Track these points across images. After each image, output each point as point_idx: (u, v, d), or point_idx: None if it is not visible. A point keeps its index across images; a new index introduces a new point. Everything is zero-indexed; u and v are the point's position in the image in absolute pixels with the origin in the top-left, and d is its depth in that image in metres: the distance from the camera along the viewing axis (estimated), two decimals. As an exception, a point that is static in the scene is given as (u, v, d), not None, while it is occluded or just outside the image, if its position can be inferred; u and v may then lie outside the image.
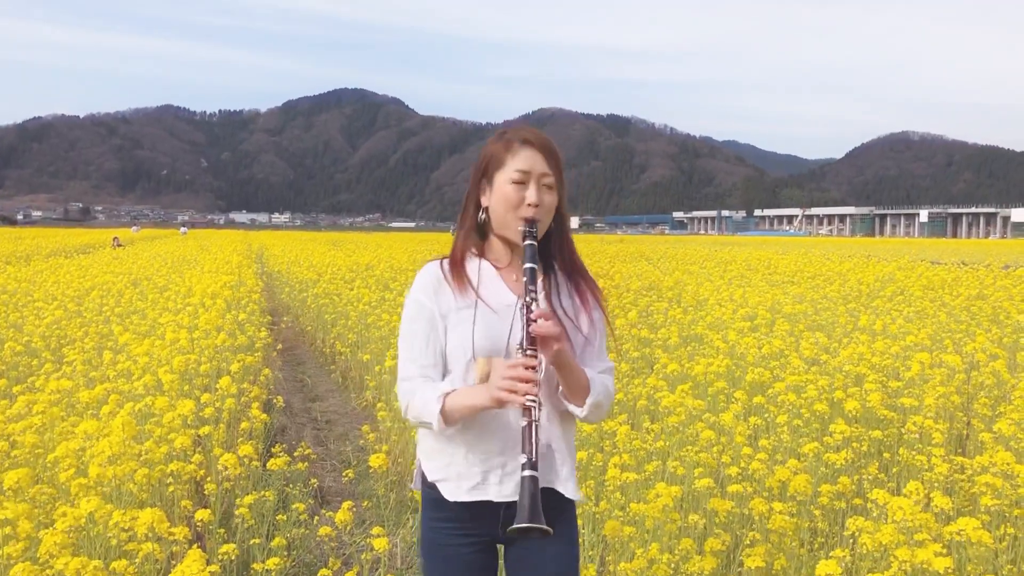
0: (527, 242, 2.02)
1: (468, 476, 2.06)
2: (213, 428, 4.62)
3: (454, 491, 2.07)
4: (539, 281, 2.03)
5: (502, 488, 2.04)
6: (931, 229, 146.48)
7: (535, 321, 1.92)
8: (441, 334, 2.08)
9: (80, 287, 11.41)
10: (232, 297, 10.14)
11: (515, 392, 1.87)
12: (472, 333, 2.02)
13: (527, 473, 1.85)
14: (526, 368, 1.88)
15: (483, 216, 2.12)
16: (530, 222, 2.02)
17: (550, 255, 2.14)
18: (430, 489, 2.13)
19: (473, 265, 2.12)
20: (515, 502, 1.90)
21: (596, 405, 2.07)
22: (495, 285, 2.09)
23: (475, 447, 2.04)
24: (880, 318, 8.70)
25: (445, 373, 2.09)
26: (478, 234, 2.15)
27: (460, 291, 2.07)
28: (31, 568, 2.48)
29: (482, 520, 2.08)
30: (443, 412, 1.98)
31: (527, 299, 1.97)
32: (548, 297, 2.09)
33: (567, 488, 2.09)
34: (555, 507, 2.07)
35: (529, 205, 2.03)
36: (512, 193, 2.03)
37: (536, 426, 1.89)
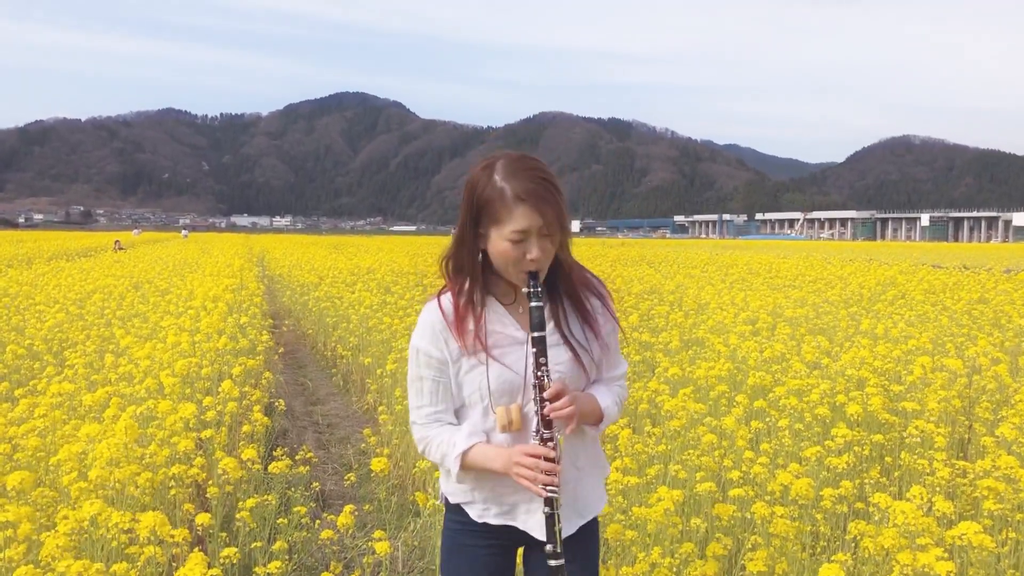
0: (533, 304, 1.94)
1: (495, 502, 2.07)
2: (215, 431, 4.62)
3: (481, 514, 2.08)
4: (548, 351, 1.96)
5: (529, 518, 2.05)
6: (932, 233, 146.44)
7: (548, 402, 1.90)
8: (451, 378, 2.06)
9: (82, 290, 11.42)
10: (234, 300, 10.15)
11: (534, 481, 1.90)
12: (487, 381, 1.99)
13: (553, 563, 1.91)
14: (545, 459, 1.89)
15: (480, 257, 2.03)
16: (534, 275, 1.95)
17: (554, 282, 2.07)
18: (455, 511, 2.15)
19: (476, 303, 2.04)
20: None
21: (610, 422, 2.13)
22: (503, 323, 2.04)
23: (504, 482, 2.01)
24: (881, 322, 8.69)
25: (462, 416, 2.07)
26: (480, 272, 2.04)
27: (475, 336, 2.01)
28: (33, 571, 2.48)
29: (507, 531, 2.10)
30: (462, 467, 2.02)
31: (538, 374, 1.92)
32: (558, 327, 2.04)
33: (599, 506, 2.17)
34: (581, 532, 2.12)
35: (531, 260, 1.94)
36: (511, 251, 1.94)
37: (559, 516, 1.92)
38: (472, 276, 2.02)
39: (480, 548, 2.12)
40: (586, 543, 2.14)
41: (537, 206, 1.91)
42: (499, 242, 1.95)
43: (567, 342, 2.04)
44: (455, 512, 2.15)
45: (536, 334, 1.94)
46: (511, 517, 2.07)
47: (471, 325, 2.02)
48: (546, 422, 1.91)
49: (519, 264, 1.95)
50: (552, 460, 1.89)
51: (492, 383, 1.99)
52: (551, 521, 1.90)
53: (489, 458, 1.99)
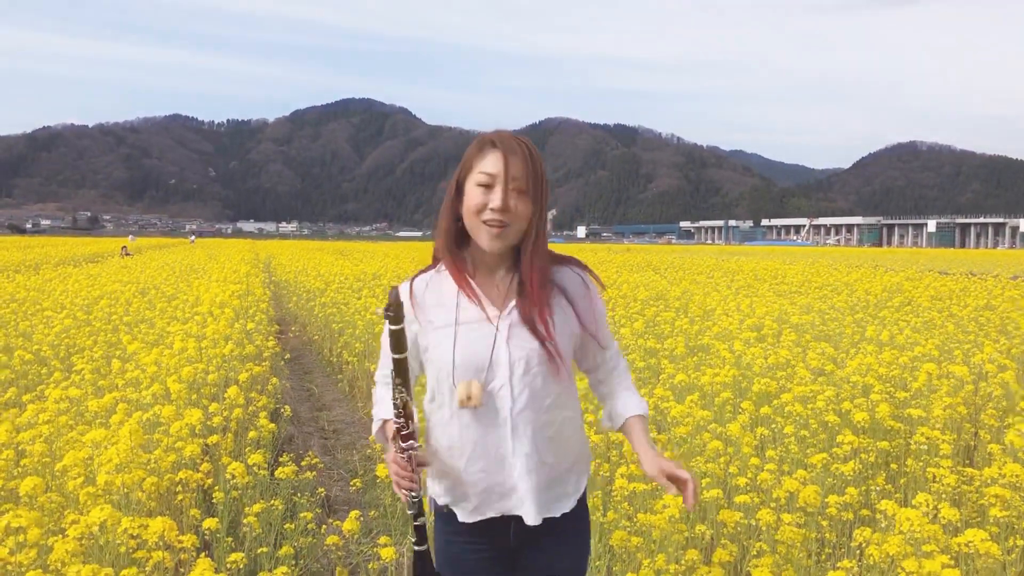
0: (391, 328, 1.91)
1: (471, 498, 2.04)
2: (221, 437, 4.64)
3: (463, 514, 2.07)
4: (512, 329, 1.97)
5: (502, 504, 2.03)
6: (939, 239, 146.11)
7: (405, 420, 1.93)
8: (417, 353, 2.07)
9: (89, 296, 11.45)
10: (240, 306, 10.17)
11: (398, 487, 1.98)
12: (452, 354, 1.97)
13: (420, 549, 1.98)
14: (402, 469, 1.95)
15: (459, 223, 2.03)
16: (392, 308, 1.91)
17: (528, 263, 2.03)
18: (440, 508, 2.14)
19: (449, 279, 2.04)
20: (516, 518, 2.02)
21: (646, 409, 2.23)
22: (473, 297, 2.02)
23: (471, 467, 2.02)
24: (887, 328, 8.68)
25: (435, 395, 2.06)
26: (456, 244, 2.05)
27: (443, 306, 2.02)
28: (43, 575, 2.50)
29: (493, 533, 2.07)
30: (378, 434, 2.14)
31: (395, 398, 1.93)
32: (523, 311, 1.99)
33: (568, 503, 2.10)
34: (566, 520, 2.10)
35: (491, 209, 1.92)
36: (477, 197, 1.94)
37: (423, 519, 2.00)
38: (448, 235, 2.04)
39: (474, 559, 2.11)
40: (567, 532, 2.10)
41: (507, 154, 1.93)
42: (470, 194, 1.96)
43: (532, 328, 1.98)
44: (443, 522, 2.13)
45: (396, 356, 1.92)
46: (484, 510, 2.04)
47: (436, 299, 2.04)
48: (403, 437, 1.93)
49: (482, 214, 1.94)
50: (410, 471, 1.94)
51: (457, 357, 1.96)
52: (415, 519, 1.99)
53: (384, 444, 2.07)
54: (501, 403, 1.96)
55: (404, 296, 2.05)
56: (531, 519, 2.00)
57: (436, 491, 2.12)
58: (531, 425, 1.98)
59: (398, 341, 1.91)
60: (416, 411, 1.98)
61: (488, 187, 1.94)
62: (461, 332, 1.98)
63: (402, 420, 1.92)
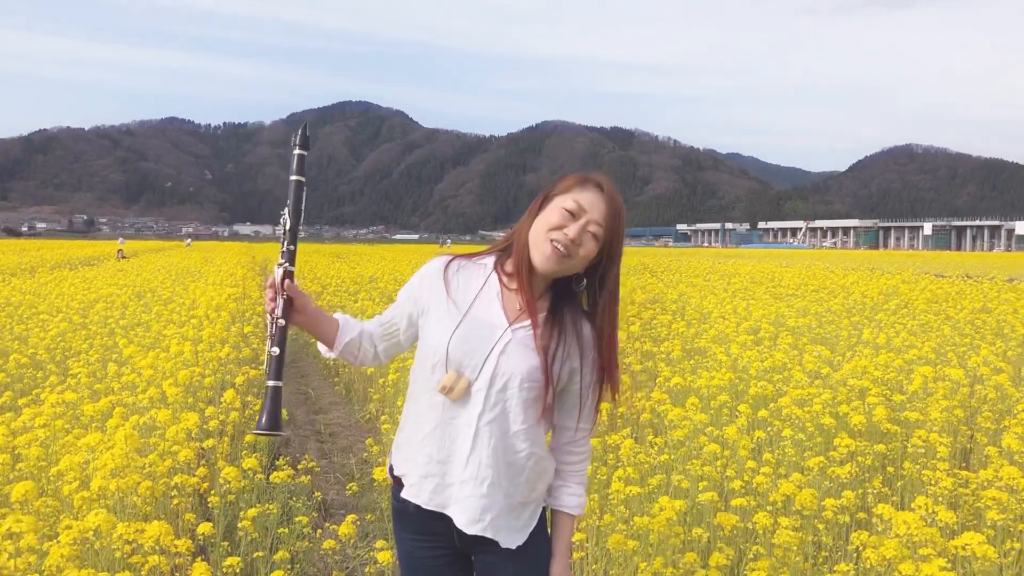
0: (298, 152, 2.07)
1: (411, 475, 2.07)
2: (217, 441, 4.63)
3: (407, 489, 2.09)
4: (511, 347, 2.00)
5: (434, 497, 2.03)
6: (935, 242, 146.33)
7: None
8: (410, 313, 2.14)
9: (85, 299, 11.43)
10: (236, 309, 10.17)
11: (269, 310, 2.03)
12: (449, 338, 1.99)
13: (270, 383, 1.98)
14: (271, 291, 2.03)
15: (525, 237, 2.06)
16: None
17: (566, 294, 2.07)
18: (394, 499, 2.15)
19: (483, 273, 2.09)
20: (450, 517, 2.02)
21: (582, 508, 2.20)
22: (491, 302, 2.05)
23: (423, 447, 2.04)
24: (884, 331, 8.69)
25: (414, 370, 2.11)
26: (507, 249, 2.10)
27: (462, 294, 2.05)
28: (36, 581, 2.49)
29: (438, 530, 2.07)
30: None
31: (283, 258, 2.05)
32: (544, 340, 2.00)
33: (520, 536, 2.06)
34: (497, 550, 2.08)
35: (565, 233, 1.95)
36: (558, 218, 1.97)
37: (280, 337, 2.00)
38: (514, 248, 2.07)
39: (430, 559, 2.11)
40: (524, 557, 2.09)
41: (606, 202, 1.99)
42: (552, 211, 1.99)
43: (543, 354, 1.99)
44: (398, 520, 2.15)
45: (293, 178, 2.08)
46: (415, 493, 2.05)
47: (462, 281, 2.08)
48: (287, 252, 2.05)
49: (551, 233, 1.97)
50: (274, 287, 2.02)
51: (454, 340, 1.99)
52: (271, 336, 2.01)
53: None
54: (472, 407, 1.99)
55: (441, 266, 2.11)
56: (461, 523, 2.00)
57: (396, 459, 2.15)
58: (494, 440, 1.99)
59: (300, 166, 2.07)
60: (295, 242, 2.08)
61: (573, 215, 1.97)
62: (466, 323, 2.01)
63: (285, 235, 2.05)
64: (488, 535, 2.01)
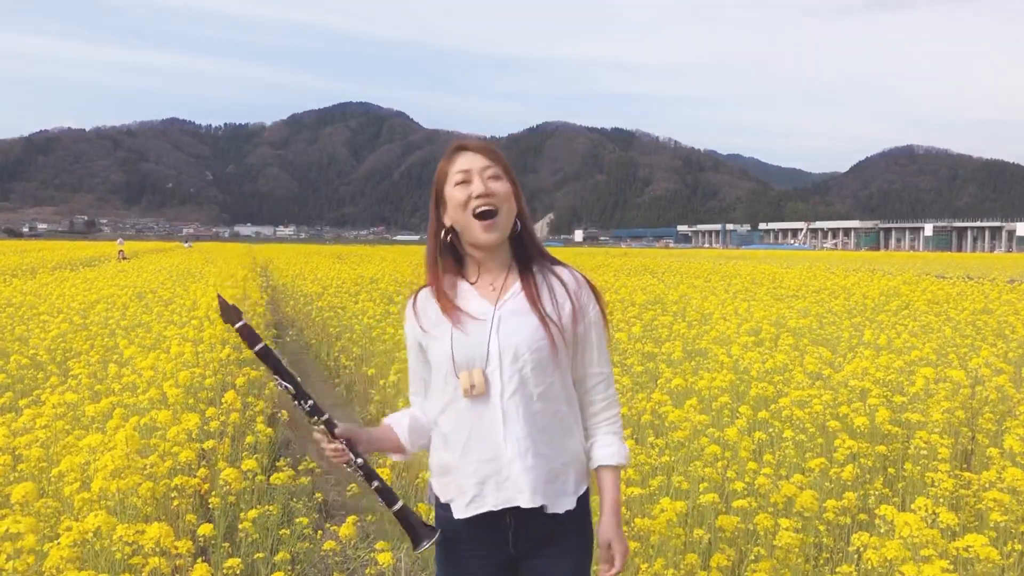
0: (237, 325, 2.04)
1: (467, 489, 2.06)
2: (218, 442, 4.63)
3: (460, 509, 2.08)
4: (513, 319, 2.06)
5: (499, 495, 2.03)
6: (936, 243, 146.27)
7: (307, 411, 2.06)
8: (423, 363, 2.18)
9: (85, 300, 11.43)
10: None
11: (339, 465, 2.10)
12: (451, 347, 2.04)
13: (394, 510, 2.04)
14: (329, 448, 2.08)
15: (449, 236, 2.12)
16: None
17: (524, 253, 2.15)
18: (442, 509, 2.14)
19: (448, 285, 2.14)
20: (517, 508, 2.02)
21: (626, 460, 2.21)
22: (466, 299, 2.11)
23: (467, 457, 2.05)
24: (885, 332, 8.68)
25: (428, 388, 2.18)
26: (451, 257, 2.16)
27: (439, 312, 2.10)
28: (36, 582, 2.48)
29: (491, 537, 2.08)
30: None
31: (283, 385, 2.06)
32: (530, 298, 2.08)
33: (572, 500, 2.09)
34: (566, 530, 2.10)
35: (475, 196, 2.03)
36: (459, 194, 2.05)
37: (371, 477, 2.07)
38: (433, 257, 2.15)
39: (474, 566, 2.11)
40: (568, 542, 2.12)
41: (477, 151, 2.08)
42: (451, 196, 2.07)
43: (536, 309, 2.06)
44: (443, 526, 2.14)
45: (256, 348, 2.05)
46: (480, 502, 2.05)
47: (434, 307, 2.12)
48: (308, 413, 2.07)
49: (468, 206, 2.04)
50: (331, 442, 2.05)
51: (456, 353, 2.04)
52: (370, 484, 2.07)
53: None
54: (492, 390, 2.03)
55: (409, 307, 2.18)
56: (527, 501, 2.01)
57: (437, 487, 2.16)
58: (521, 411, 2.02)
59: (248, 336, 2.04)
60: (306, 390, 2.08)
61: (466, 183, 2.05)
62: (459, 326, 2.06)
63: (294, 402, 2.05)
64: (540, 502, 2.03)
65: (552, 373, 2.06)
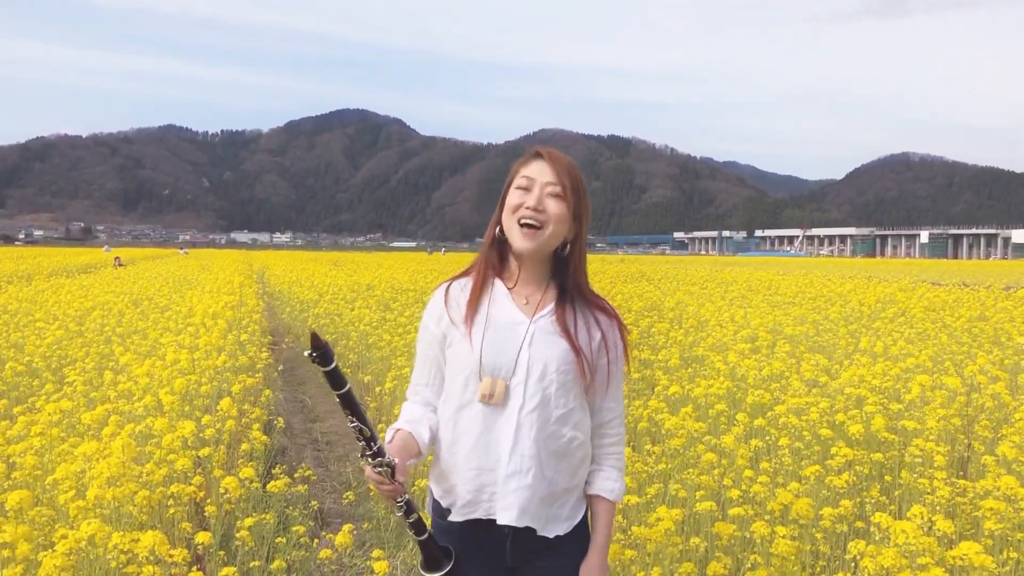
0: (323, 370, 1.84)
1: (463, 494, 2.06)
2: (213, 450, 4.61)
3: (456, 511, 2.08)
4: (542, 337, 2.04)
5: (493, 504, 2.03)
6: (932, 250, 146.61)
7: (371, 451, 1.91)
8: (440, 355, 2.13)
9: (81, 307, 11.41)
10: (233, 317, 10.14)
11: (384, 496, 1.98)
12: (480, 349, 2.02)
13: (422, 538, 1.98)
14: (381, 483, 1.94)
15: (500, 233, 2.11)
16: (320, 355, 1.82)
17: (565, 276, 2.12)
18: (440, 518, 2.13)
19: (487, 284, 2.12)
20: (514, 533, 2.02)
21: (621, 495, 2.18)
22: (504, 303, 2.09)
23: (469, 462, 2.04)
24: (881, 339, 8.69)
25: (446, 388, 2.13)
26: (496, 254, 2.14)
27: (470, 310, 2.07)
28: (30, 591, 2.47)
29: (489, 544, 2.07)
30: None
31: (352, 425, 1.90)
32: (562, 322, 2.06)
33: (563, 526, 2.07)
34: (560, 540, 2.08)
35: (526, 208, 2.01)
36: (515, 198, 2.04)
37: (416, 515, 1.98)
38: (486, 252, 2.13)
39: (470, 566, 2.09)
40: (566, 551, 2.11)
41: (551, 164, 2.05)
42: (509, 196, 2.06)
43: (567, 335, 2.05)
44: (440, 535, 2.12)
45: (338, 392, 1.88)
46: (474, 508, 2.05)
47: (466, 299, 2.10)
48: (371, 456, 1.91)
49: (516, 214, 2.03)
50: (390, 483, 1.92)
51: (485, 357, 2.02)
52: (407, 517, 1.98)
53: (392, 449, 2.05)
54: (512, 401, 2.01)
55: (439, 296, 2.14)
56: (512, 519, 2.00)
57: (438, 492, 2.15)
58: (535, 429, 2.01)
59: (334, 380, 1.87)
60: (377, 433, 1.95)
61: (527, 190, 2.04)
62: (490, 329, 2.04)
63: (362, 443, 1.91)
64: (528, 523, 2.02)
65: (573, 399, 2.06)
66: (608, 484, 2.14)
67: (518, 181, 2.05)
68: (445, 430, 2.11)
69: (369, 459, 1.93)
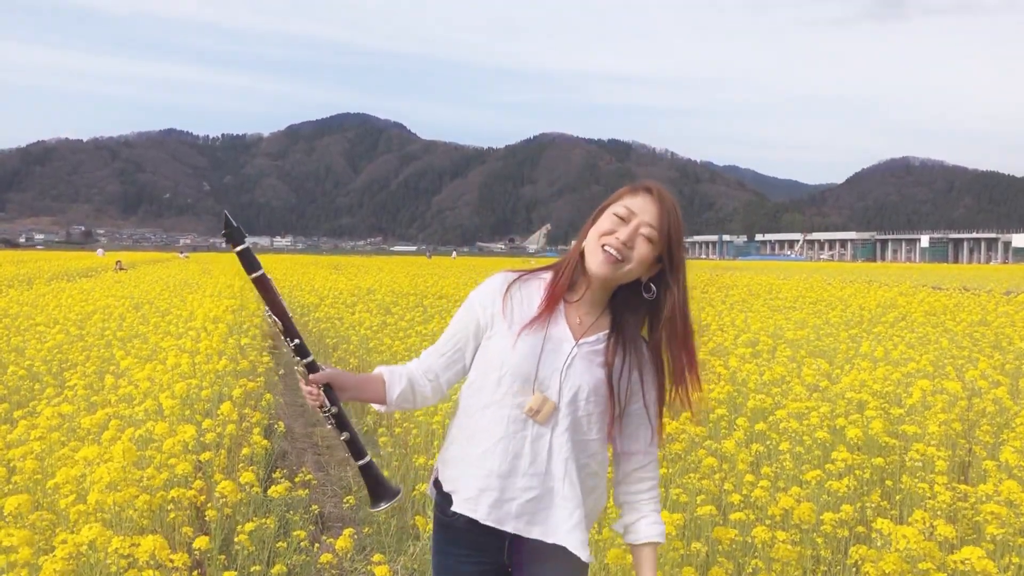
0: (235, 250, 2.05)
1: (467, 489, 2.05)
2: (214, 454, 4.61)
3: (458, 503, 2.07)
4: (578, 362, 2.02)
5: (493, 512, 2.02)
6: (932, 254, 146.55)
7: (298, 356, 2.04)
8: (471, 339, 2.12)
9: (82, 311, 11.41)
10: (234, 321, 10.15)
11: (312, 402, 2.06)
12: (539, 360, 2.00)
13: (359, 464, 2.04)
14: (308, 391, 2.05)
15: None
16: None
17: (626, 311, 2.08)
18: (441, 513, 2.13)
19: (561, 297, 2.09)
20: (515, 535, 2.01)
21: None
22: (559, 320, 2.06)
23: (480, 463, 2.03)
24: (882, 344, 8.69)
25: (477, 384, 2.09)
26: (573, 268, 2.09)
27: (541, 318, 2.04)
28: (31, 596, 2.47)
29: (488, 545, 2.07)
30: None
31: (268, 315, 2.05)
32: (607, 355, 2.03)
33: (569, 540, 2.03)
34: (548, 552, 2.06)
35: (616, 238, 1.97)
36: (608, 223, 2.00)
37: (343, 427, 2.06)
38: (565, 261, 2.10)
39: (468, 573, 2.10)
40: (563, 554, 2.07)
41: (657, 204, 2.00)
42: (604, 219, 2.02)
43: (608, 368, 2.03)
44: (440, 530, 2.13)
45: (253, 275, 2.04)
46: (472, 507, 2.03)
47: (532, 300, 2.07)
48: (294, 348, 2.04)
49: (603, 239, 1.99)
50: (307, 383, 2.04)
51: (515, 357, 2.00)
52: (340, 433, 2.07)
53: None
54: (549, 421, 2.01)
55: (500, 283, 2.11)
56: (520, 530, 2.01)
57: (444, 475, 2.14)
58: (564, 452, 2.00)
59: (248, 261, 2.04)
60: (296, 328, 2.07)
61: (624, 220, 1.99)
62: (546, 341, 2.02)
63: (278, 328, 2.04)
64: (536, 536, 2.02)
65: (597, 432, 2.05)
66: (655, 528, 2.13)
67: (617, 208, 2.00)
68: (467, 419, 2.09)
69: (292, 350, 2.03)
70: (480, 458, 2.03)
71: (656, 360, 2.09)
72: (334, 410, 2.03)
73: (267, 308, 2.04)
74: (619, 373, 2.04)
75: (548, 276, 2.11)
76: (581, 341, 2.04)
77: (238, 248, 2.02)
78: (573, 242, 2.14)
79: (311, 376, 2.03)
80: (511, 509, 2.01)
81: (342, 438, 2.03)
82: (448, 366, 2.15)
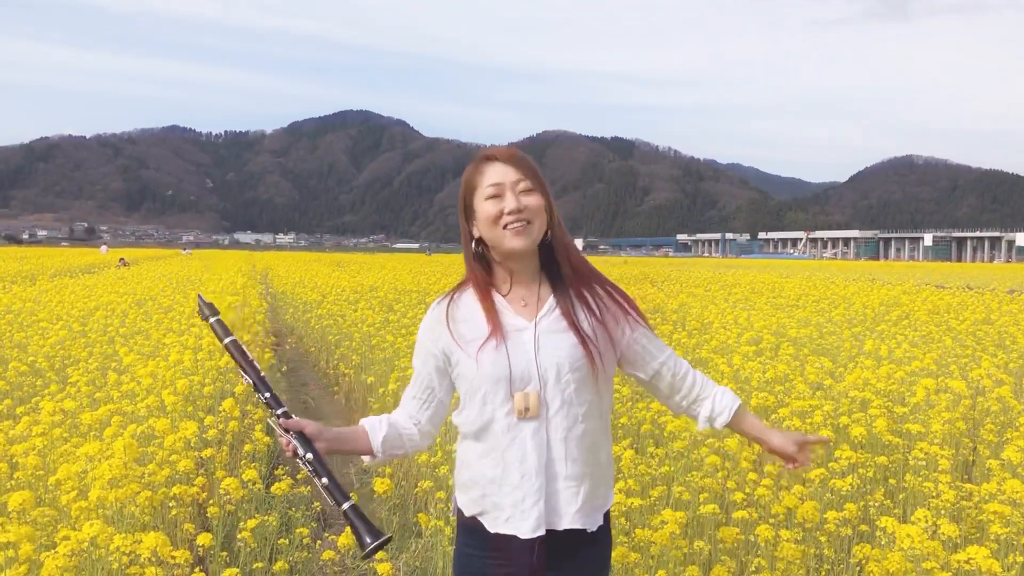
0: (211, 321, 2.15)
1: (504, 507, 2.03)
2: (216, 451, 4.61)
3: (496, 523, 2.04)
4: (551, 336, 2.02)
5: (535, 516, 2.00)
6: (935, 253, 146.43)
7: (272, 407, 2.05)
8: (433, 373, 2.13)
9: (85, 307, 11.41)
10: (236, 318, 10.14)
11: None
12: (508, 365, 1.99)
13: (344, 508, 1.96)
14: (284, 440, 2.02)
15: (479, 248, 2.09)
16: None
17: (555, 265, 2.10)
18: (466, 523, 2.11)
19: (489, 297, 2.09)
20: (541, 538, 1.99)
21: (737, 402, 2.22)
22: (504, 313, 2.06)
23: (508, 475, 2.01)
24: (885, 342, 8.67)
25: (463, 410, 2.09)
26: (482, 266, 2.11)
27: (482, 325, 2.04)
28: (32, 592, 2.47)
29: (516, 552, 2.03)
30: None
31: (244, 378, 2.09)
32: (565, 313, 2.04)
33: (600, 517, 2.06)
34: (590, 542, 2.07)
35: (508, 213, 1.99)
36: (490, 208, 2.01)
37: (320, 473, 1.99)
38: (468, 267, 2.12)
39: (492, 572, 2.06)
40: (590, 554, 2.10)
41: (508, 161, 2.03)
42: (481, 209, 2.03)
43: (574, 327, 2.03)
44: (465, 534, 2.11)
45: (225, 341, 2.12)
46: (513, 524, 2.02)
47: (471, 316, 2.07)
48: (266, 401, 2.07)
49: (500, 221, 2.00)
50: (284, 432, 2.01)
51: (485, 373, 1.99)
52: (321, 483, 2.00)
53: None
54: (541, 408, 2.01)
55: (440, 312, 2.11)
56: (567, 523, 2.01)
57: (463, 501, 2.11)
58: (563, 431, 2.00)
59: (219, 330, 2.14)
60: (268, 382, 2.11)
61: (498, 196, 2.01)
62: (507, 341, 2.01)
63: (250, 383, 2.08)
64: (580, 525, 2.02)
65: (592, 392, 2.04)
66: (728, 397, 2.20)
67: (486, 191, 2.02)
68: (471, 443, 2.09)
69: (264, 404, 2.07)
70: (504, 473, 2.02)
71: (594, 290, 2.12)
72: (309, 457, 1.98)
73: (239, 369, 2.11)
74: (584, 320, 2.05)
75: (470, 286, 2.13)
76: (537, 319, 2.04)
77: (211, 319, 2.17)
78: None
79: (283, 422, 2.01)
80: (540, 509, 2.00)
81: (321, 483, 1.98)
82: (423, 407, 2.16)
